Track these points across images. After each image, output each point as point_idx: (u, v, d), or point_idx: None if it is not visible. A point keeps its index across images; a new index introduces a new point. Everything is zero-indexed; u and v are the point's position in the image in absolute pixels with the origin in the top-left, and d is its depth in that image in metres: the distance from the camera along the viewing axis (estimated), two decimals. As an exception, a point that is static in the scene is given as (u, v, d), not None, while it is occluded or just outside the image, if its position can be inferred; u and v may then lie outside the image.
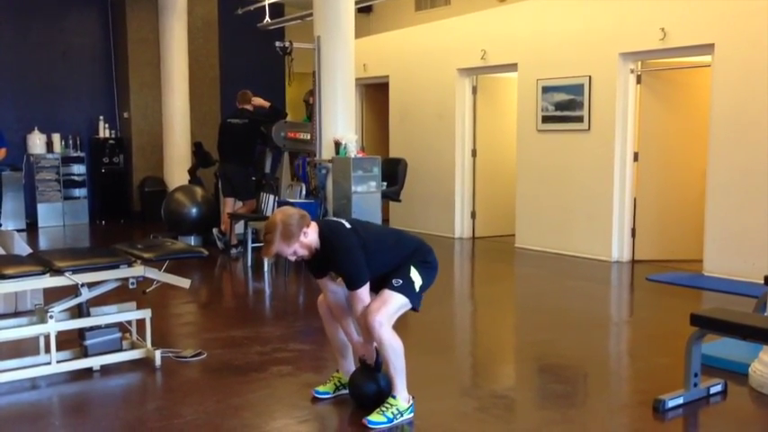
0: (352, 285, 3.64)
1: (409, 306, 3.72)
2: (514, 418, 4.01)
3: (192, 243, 8.99)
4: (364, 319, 3.63)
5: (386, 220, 9.85)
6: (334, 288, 3.84)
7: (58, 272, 4.32)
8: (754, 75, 6.78)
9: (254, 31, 10.26)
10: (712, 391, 4.06)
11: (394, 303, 3.65)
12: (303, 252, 3.61)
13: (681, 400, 3.90)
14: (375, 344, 3.73)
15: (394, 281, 3.67)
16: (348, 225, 3.75)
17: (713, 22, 7.10)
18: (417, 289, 3.72)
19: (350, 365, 4.04)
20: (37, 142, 11.43)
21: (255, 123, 8.88)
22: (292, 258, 3.66)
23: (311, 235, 3.60)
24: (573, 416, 3.96)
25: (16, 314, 5.48)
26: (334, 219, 4.00)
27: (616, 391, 4.41)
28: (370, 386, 3.82)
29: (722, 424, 3.86)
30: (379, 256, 3.68)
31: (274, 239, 3.52)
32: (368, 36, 11.19)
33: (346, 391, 4.02)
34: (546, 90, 8.65)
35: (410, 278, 3.69)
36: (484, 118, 9.86)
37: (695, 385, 3.95)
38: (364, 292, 3.64)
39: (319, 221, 3.76)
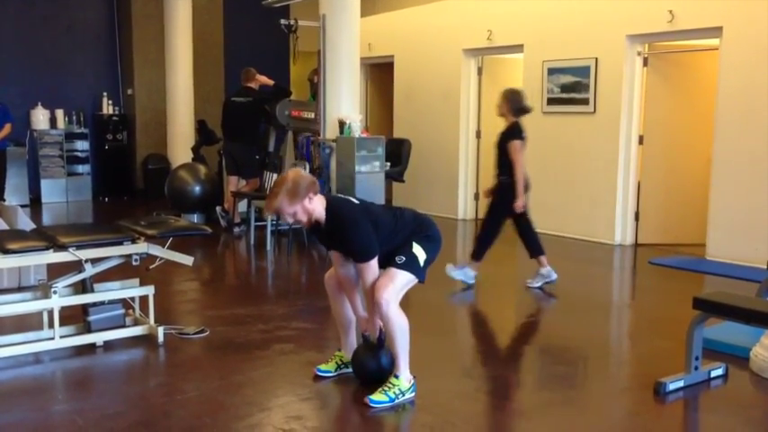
0: (363, 257, 3.63)
1: (415, 281, 3.74)
2: (515, 398, 4.03)
3: (195, 221, 9.00)
4: (373, 295, 3.64)
5: (389, 200, 9.86)
6: (344, 261, 3.84)
7: (62, 247, 4.33)
8: (762, 59, 6.73)
9: (259, 9, 10.18)
10: (713, 374, 4.08)
11: (400, 280, 3.66)
12: (303, 217, 3.59)
13: (681, 383, 3.91)
14: (379, 320, 3.74)
15: (397, 258, 3.67)
16: (356, 201, 3.80)
17: (721, 5, 7.04)
18: (422, 263, 3.72)
19: (352, 344, 4.06)
20: (40, 118, 11.42)
21: (259, 102, 8.85)
22: (290, 220, 3.64)
23: (316, 203, 3.59)
24: (573, 397, 3.98)
25: (20, 289, 5.51)
26: (342, 196, 4.02)
27: (617, 374, 4.42)
28: (371, 363, 3.84)
29: (722, 407, 3.87)
30: (383, 233, 3.69)
31: (280, 193, 3.53)
32: (373, 15, 11.10)
33: (348, 370, 4.04)
34: (552, 72, 8.60)
35: (413, 254, 3.70)
36: (489, 99, 9.77)
37: (696, 368, 3.97)
38: (374, 263, 3.64)
39: (328, 196, 3.75)
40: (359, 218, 3.64)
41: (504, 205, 6.03)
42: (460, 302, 6.14)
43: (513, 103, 6.04)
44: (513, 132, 5.99)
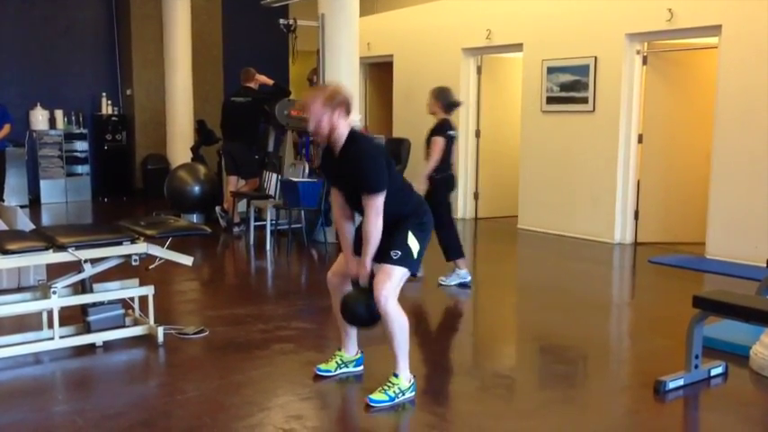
0: (371, 188, 3.56)
1: (409, 274, 3.72)
2: (515, 397, 4.03)
3: (195, 221, 9.00)
4: (370, 237, 3.60)
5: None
6: (343, 203, 3.79)
7: (62, 248, 4.33)
8: (762, 57, 6.73)
9: (257, 8, 10.19)
10: (713, 372, 4.08)
11: (396, 276, 3.64)
12: (325, 127, 3.57)
13: (681, 382, 3.91)
14: (369, 264, 3.65)
15: (393, 253, 3.63)
16: None
17: (721, 4, 7.04)
18: (416, 255, 3.70)
19: (353, 345, 4.06)
20: (39, 118, 11.42)
21: (259, 102, 8.85)
22: (311, 128, 3.62)
23: (342, 123, 3.60)
24: (573, 396, 3.98)
25: (19, 290, 5.50)
26: None
27: (617, 372, 4.42)
28: (361, 308, 3.69)
29: (722, 406, 3.87)
30: (393, 187, 3.64)
31: (317, 93, 3.60)
32: (372, 14, 11.11)
33: (348, 370, 4.05)
34: (551, 71, 8.60)
35: (408, 246, 3.66)
36: (488, 98, 9.81)
37: (696, 367, 3.97)
38: (381, 201, 3.57)
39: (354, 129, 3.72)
40: (377, 151, 3.64)
41: (439, 198, 6.01)
42: (460, 301, 6.14)
43: (444, 100, 6.12)
44: (440, 128, 6.07)
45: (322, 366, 4.05)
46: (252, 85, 8.92)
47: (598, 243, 8.13)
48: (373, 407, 3.62)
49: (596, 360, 4.63)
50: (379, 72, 11.71)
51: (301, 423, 3.50)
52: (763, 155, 6.78)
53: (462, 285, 6.19)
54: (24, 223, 6.08)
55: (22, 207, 7.55)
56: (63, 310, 4.46)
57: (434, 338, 4.81)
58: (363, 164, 3.58)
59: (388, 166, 3.66)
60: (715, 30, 7.12)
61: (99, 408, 3.68)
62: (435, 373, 4.13)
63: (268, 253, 7.71)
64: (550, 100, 8.66)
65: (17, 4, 11.39)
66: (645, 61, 7.92)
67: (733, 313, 3.86)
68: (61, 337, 4.40)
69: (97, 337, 4.50)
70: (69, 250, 4.34)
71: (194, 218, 9.16)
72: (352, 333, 4.04)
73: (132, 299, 4.73)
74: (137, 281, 4.76)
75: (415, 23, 10.54)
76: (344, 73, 7.88)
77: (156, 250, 4.60)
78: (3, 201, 9.79)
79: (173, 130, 11.74)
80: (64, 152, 11.55)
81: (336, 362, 4.05)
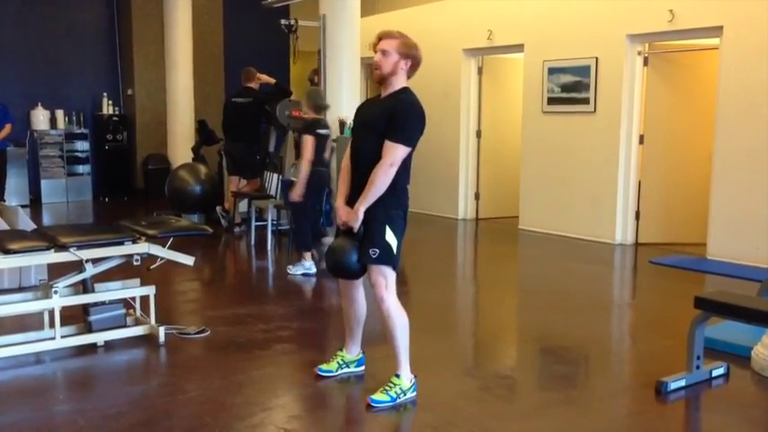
0: (400, 137, 3.55)
1: (394, 270, 3.69)
2: (516, 398, 4.03)
3: (196, 221, 9.00)
4: (381, 172, 3.56)
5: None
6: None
7: (63, 247, 4.33)
8: (763, 58, 6.73)
9: (258, 9, 10.20)
10: (714, 373, 4.08)
11: (385, 273, 3.63)
12: (388, 66, 3.62)
13: (683, 383, 3.91)
14: (362, 212, 3.60)
15: (371, 251, 3.60)
16: None
17: (722, 5, 7.04)
18: (395, 251, 3.65)
19: (355, 345, 4.06)
20: (41, 118, 11.44)
21: (260, 102, 8.86)
22: (377, 57, 3.66)
23: (403, 74, 3.67)
24: (575, 397, 3.98)
25: (21, 289, 5.50)
26: None
27: (618, 373, 4.42)
28: (352, 256, 3.65)
29: (724, 407, 3.87)
30: (406, 163, 3.65)
31: (401, 36, 3.66)
32: (373, 15, 11.10)
33: (349, 370, 4.04)
34: (552, 71, 8.60)
35: (386, 243, 3.61)
36: (489, 99, 9.82)
37: (698, 368, 3.97)
38: (401, 155, 3.57)
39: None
40: (422, 112, 3.65)
41: (307, 192, 6.50)
42: (461, 302, 6.14)
43: (313, 101, 6.73)
44: (309, 127, 6.58)
45: (323, 366, 4.05)
46: (253, 84, 8.93)
47: (599, 244, 8.13)
48: (374, 407, 3.62)
49: (597, 361, 4.63)
50: (380, 72, 11.68)
51: (302, 423, 3.50)
52: (764, 155, 6.78)
53: (306, 275, 6.49)
54: (25, 223, 6.08)
55: (22, 207, 7.54)
56: (64, 310, 4.46)
57: (435, 338, 4.81)
58: (405, 112, 3.61)
59: (419, 135, 3.66)
60: (716, 31, 7.12)
61: (100, 407, 3.68)
62: (436, 373, 4.13)
63: (269, 253, 7.71)
64: (551, 101, 8.66)
65: (18, 5, 11.40)
66: (646, 62, 7.92)
67: (734, 314, 3.86)
68: (62, 337, 4.40)
69: (98, 337, 4.50)
70: (71, 250, 4.34)
71: (195, 218, 9.16)
72: (357, 334, 4.03)
73: (133, 299, 4.73)
74: (138, 281, 4.76)
75: (416, 24, 10.50)
76: (345, 73, 7.90)
77: (157, 250, 4.60)
78: (4, 200, 9.80)
79: (173, 130, 11.75)
80: (65, 152, 11.57)
81: (338, 362, 4.05)
